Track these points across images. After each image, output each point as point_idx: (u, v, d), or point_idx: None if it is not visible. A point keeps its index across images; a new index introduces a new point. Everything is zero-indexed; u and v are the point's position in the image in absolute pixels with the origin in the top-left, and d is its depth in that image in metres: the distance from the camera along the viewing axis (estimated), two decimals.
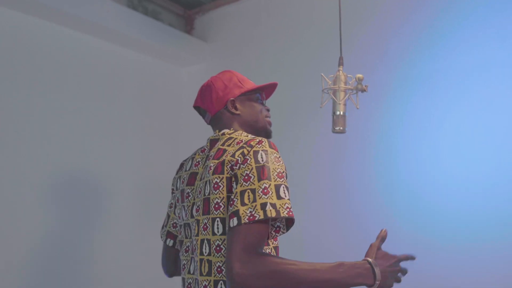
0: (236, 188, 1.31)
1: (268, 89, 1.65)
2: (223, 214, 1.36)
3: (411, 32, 2.56)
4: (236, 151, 1.37)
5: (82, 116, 2.76)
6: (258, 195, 1.27)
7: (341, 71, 1.68)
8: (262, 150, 1.35)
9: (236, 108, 1.55)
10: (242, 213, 1.26)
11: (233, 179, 1.34)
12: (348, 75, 1.69)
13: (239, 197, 1.29)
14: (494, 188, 2.25)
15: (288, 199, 1.31)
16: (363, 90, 1.66)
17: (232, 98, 1.54)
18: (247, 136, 1.44)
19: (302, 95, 2.70)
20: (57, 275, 2.56)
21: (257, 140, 1.38)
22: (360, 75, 1.65)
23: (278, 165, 1.35)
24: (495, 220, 2.22)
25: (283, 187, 1.31)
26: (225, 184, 1.35)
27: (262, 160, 1.32)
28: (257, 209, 1.26)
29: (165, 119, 3.29)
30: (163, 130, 3.26)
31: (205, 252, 1.38)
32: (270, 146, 1.38)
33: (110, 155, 2.88)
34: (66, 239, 2.61)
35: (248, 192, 1.28)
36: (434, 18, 2.50)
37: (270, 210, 1.26)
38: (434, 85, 2.47)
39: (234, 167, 1.34)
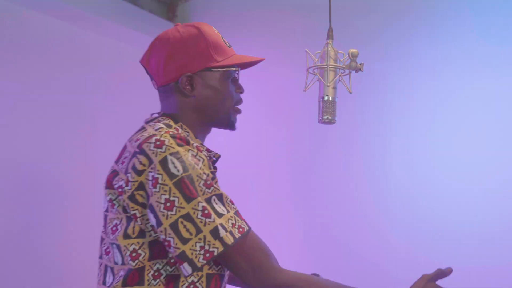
0: (159, 223, 0.96)
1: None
2: (118, 240, 1.02)
3: (413, 4, 2.28)
4: (129, 161, 1.02)
5: (50, 107, 2.55)
6: (200, 221, 0.94)
7: (330, 46, 1.36)
8: (169, 155, 0.99)
9: (192, 87, 1.17)
10: (192, 253, 0.93)
11: (127, 202, 1.01)
12: (339, 51, 1.37)
13: (173, 235, 0.94)
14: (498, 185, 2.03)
15: (231, 212, 0.99)
16: (358, 70, 1.33)
17: (189, 74, 1.16)
18: (148, 131, 1.08)
19: (283, 76, 2.39)
20: (10, 276, 2.30)
21: (153, 140, 1.02)
22: (354, 50, 1.32)
23: (200, 168, 1.00)
24: (499, 220, 2.01)
25: (214, 200, 0.98)
26: (121, 203, 1.03)
27: (178, 171, 0.97)
28: (209, 242, 0.93)
29: (144, 111, 3.05)
30: (141, 123, 3.04)
31: (108, 282, 1.05)
32: (177, 143, 1.01)
33: (80, 149, 2.67)
34: (19, 240, 2.36)
35: (182, 222, 0.94)
36: None
37: (227, 236, 0.95)
38: (439, 67, 2.19)
39: (125, 188, 1.01)
